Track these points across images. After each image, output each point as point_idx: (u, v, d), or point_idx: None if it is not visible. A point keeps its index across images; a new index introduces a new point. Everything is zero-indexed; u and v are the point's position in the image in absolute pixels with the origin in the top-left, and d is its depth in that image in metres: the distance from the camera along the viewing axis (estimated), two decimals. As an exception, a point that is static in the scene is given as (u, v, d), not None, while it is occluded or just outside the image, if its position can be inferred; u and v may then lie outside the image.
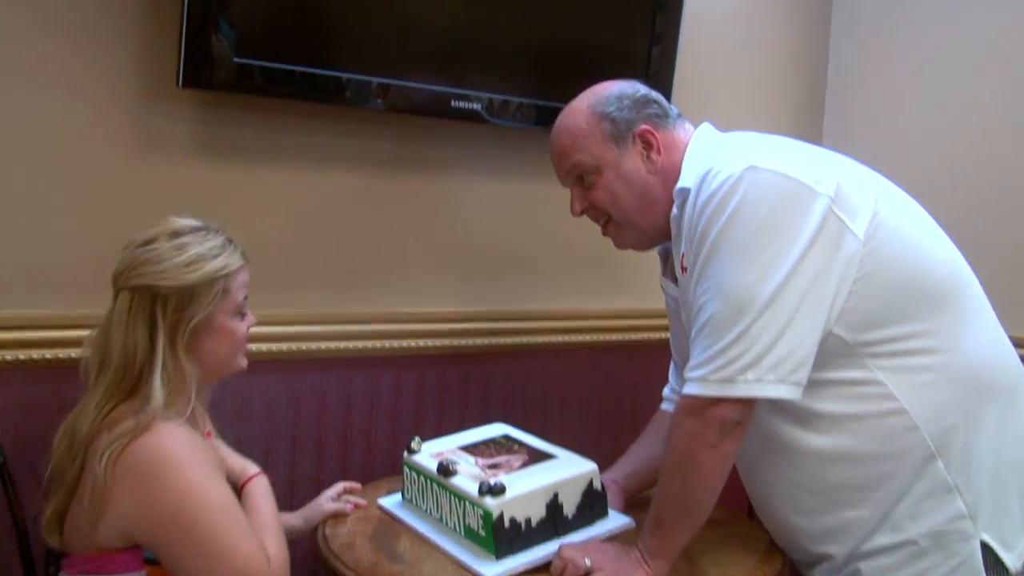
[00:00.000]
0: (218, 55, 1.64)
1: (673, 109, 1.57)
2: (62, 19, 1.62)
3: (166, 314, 1.31)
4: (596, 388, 2.33)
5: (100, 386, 1.32)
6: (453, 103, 1.93)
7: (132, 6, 1.68)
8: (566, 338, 2.25)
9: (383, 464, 2.03)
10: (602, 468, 1.63)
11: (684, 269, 1.47)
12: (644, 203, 1.52)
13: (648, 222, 1.54)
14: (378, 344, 1.99)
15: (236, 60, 1.67)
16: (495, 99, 1.97)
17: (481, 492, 1.45)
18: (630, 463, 1.78)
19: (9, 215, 1.62)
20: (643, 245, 1.61)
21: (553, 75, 2.05)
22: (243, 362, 1.46)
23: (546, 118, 1.97)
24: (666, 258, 1.63)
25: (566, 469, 1.56)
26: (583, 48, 2.09)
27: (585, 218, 1.59)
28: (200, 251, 1.34)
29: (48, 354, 1.65)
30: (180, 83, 1.64)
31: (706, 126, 1.57)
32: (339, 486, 1.73)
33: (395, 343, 2.02)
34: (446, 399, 2.11)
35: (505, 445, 1.66)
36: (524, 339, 2.18)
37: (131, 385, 1.31)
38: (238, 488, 1.43)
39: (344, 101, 1.80)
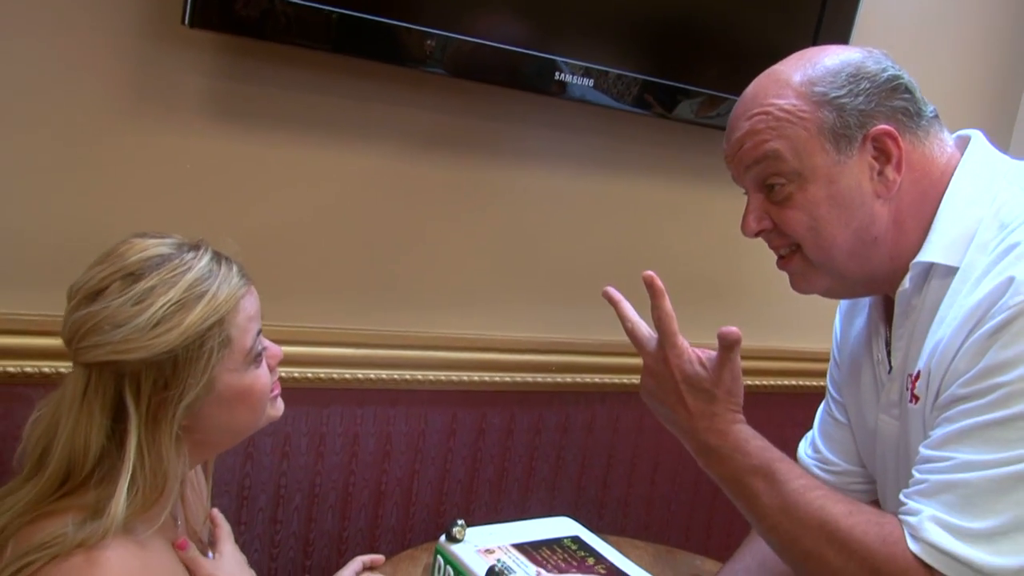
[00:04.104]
0: (241, -13, 1.24)
1: (929, 106, 1.07)
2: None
3: (140, 398, 0.91)
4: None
5: (33, 485, 0.93)
6: (556, 74, 1.49)
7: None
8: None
9: (424, 526, 1.65)
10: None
11: (915, 398, 1.02)
12: (858, 241, 1.04)
13: (856, 269, 1.06)
14: (429, 375, 1.58)
15: (267, -6, 1.26)
16: (598, 71, 1.52)
17: (544, 628, 1.04)
18: (743, 574, 1.34)
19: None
20: (837, 294, 1.14)
21: (677, 50, 1.62)
22: (275, 411, 1.07)
23: (662, 101, 1.59)
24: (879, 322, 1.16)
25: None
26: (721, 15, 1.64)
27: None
28: (173, 296, 0.91)
29: (-5, 365, 1.28)
30: (186, 20, 1.23)
31: (979, 142, 1.08)
32: (356, 563, 1.34)
33: (451, 375, 1.60)
34: (511, 448, 1.69)
35: (576, 555, 1.24)
36: (614, 378, 1.76)
37: (74, 487, 0.92)
38: None
39: (403, 60, 1.38)
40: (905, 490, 0.98)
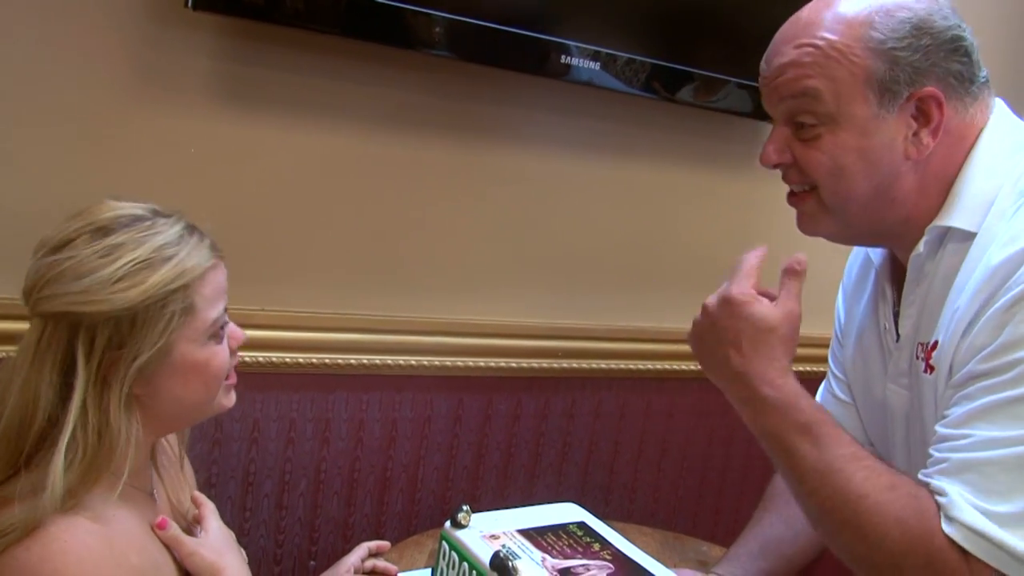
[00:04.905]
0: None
1: (983, 70, 1.02)
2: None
3: (92, 354, 0.89)
4: (707, 429, 1.86)
5: None
6: (562, 58, 1.47)
7: None
8: (681, 365, 1.80)
9: (430, 512, 1.64)
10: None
11: (930, 368, 1.00)
12: (876, 198, 1.00)
13: (866, 222, 1.03)
14: (435, 361, 1.57)
15: (271, -22, 1.25)
16: (606, 55, 1.51)
17: (549, 616, 1.03)
18: (745, 558, 1.32)
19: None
20: (840, 240, 1.11)
21: (685, 33, 1.60)
22: (227, 400, 1.03)
23: (670, 85, 1.58)
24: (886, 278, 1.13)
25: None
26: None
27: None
28: (140, 254, 0.89)
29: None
30: (190, 3, 1.22)
31: (1002, 110, 1.04)
32: (362, 549, 1.34)
33: (457, 361, 1.59)
34: (518, 434, 1.69)
35: (582, 541, 1.23)
36: (620, 364, 1.74)
37: (20, 457, 0.89)
38: None
39: (409, 43, 1.37)
40: (924, 470, 0.95)
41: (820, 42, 0.97)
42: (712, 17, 1.62)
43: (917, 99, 0.97)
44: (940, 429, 0.95)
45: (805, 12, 1.01)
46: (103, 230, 0.90)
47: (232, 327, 1.02)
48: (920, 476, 0.95)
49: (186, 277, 0.92)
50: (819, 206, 1.03)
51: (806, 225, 1.07)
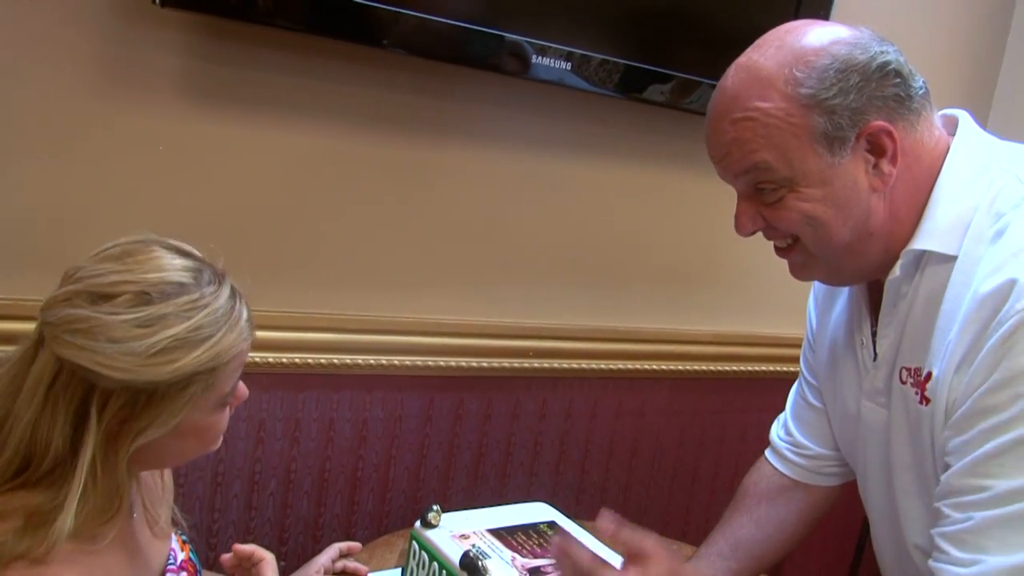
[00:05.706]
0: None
1: (918, 80, 0.99)
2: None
3: (104, 415, 0.86)
4: (678, 429, 1.87)
5: None
6: (534, 58, 1.47)
7: None
8: (652, 365, 1.80)
9: (401, 512, 1.64)
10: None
11: (925, 400, 0.99)
12: (855, 238, 0.99)
13: (852, 262, 1.03)
14: (406, 360, 1.57)
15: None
16: (577, 55, 1.51)
17: (517, 615, 1.03)
18: (715, 558, 1.32)
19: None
20: (836, 282, 1.12)
21: (655, 33, 1.60)
22: (214, 447, 1.01)
23: (640, 85, 1.57)
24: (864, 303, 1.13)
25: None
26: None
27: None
28: (178, 333, 0.86)
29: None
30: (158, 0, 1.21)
31: (968, 124, 1.04)
32: (333, 550, 1.34)
33: (428, 360, 1.59)
34: (489, 434, 1.69)
35: (551, 540, 1.22)
36: (591, 363, 1.75)
37: (30, 480, 0.87)
38: None
39: (378, 40, 1.37)
40: (942, 529, 0.95)
41: (754, 113, 0.96)
42: (684, 17, 1.62)
43: (867, 136, 0.96)
44: (950, 480, 0.94)
45: (729, 82, 1.00)
46: (148, 296, 0.87)
47: (238, 387, 0.99)
48: (936, 537, 0.95)
49: (218, 360, 0.89)
50: (807, 255, 1.04)
51: (800, 274, 1.08)
